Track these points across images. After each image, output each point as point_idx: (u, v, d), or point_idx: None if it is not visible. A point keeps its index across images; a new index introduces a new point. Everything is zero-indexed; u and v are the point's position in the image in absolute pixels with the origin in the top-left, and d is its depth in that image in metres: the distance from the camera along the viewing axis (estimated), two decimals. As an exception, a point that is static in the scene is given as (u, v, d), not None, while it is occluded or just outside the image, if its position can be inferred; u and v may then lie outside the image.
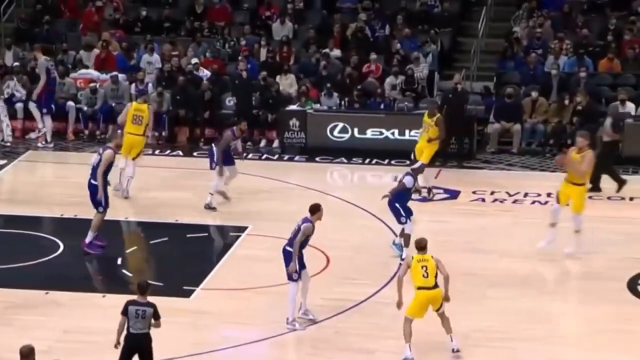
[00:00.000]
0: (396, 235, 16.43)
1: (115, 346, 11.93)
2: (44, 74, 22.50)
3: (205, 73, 24.00)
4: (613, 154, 19.71)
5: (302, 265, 14.06)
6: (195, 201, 18.88)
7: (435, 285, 13.28)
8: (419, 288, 13.28)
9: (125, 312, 11.90)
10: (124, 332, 11.89)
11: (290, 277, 13.93)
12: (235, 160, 18.87)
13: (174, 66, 23.94)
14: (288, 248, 14.06)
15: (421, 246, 13.39)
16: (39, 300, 14.86)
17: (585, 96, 22.28)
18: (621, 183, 19.51)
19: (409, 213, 16.09)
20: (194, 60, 24.18)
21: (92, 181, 16.28)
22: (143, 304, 11.91)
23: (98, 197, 16.21)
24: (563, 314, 14.67)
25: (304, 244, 14.02)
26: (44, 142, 22.64)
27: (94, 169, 16.31)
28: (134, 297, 12.03)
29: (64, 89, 23.62)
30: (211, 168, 18.52)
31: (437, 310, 13.41)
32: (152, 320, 11.90)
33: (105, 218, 17.12)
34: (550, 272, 16.12)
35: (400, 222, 16.11)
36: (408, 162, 19.92)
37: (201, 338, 13.77)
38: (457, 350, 13.34)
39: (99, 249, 16.42)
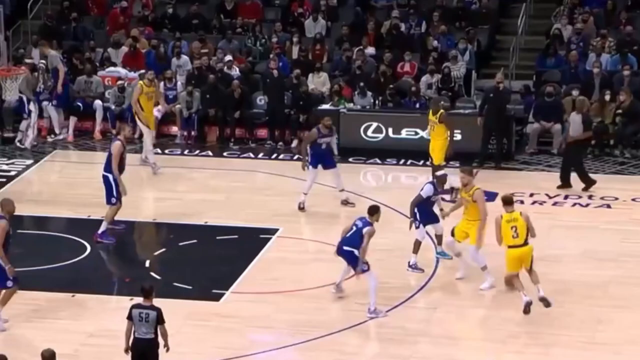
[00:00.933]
0: (435, 245, 16.42)
1: (125, 351, 12.11)
2: (61, 65, 22.85)
3: (235, 71, 24.16)
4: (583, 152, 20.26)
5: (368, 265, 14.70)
6: (225, 202, 19.02)
7: (525, 243, 14.18)
8: (510, 247, 14.29)
9: (130, 316, 12.06)
10: (132, 337, 12.06)
11: (362, 271, 14.44)
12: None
13: (204, 65, 24.10)
14: (346, 248, 14.64)
15: (508, 202, 14.47)
16: (65, 303, 15.06)
17: (629, 95, 22.22)
18: (590, 183, 19.77)
19: (425, 219, 15.99)
20: (228, 58, 24.32)
21: (104, 172, 16.80)
22: (147, 307, 12.05)
23: (110, 189, 16.82)
24: (601, 320, 14.65)
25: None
26: (53, 136, 22.95)
27: (106, 162, 16.81)
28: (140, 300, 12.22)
29: (91, 88, 23.85)
30: (303, 169, 18.77)
31: (527, 268, 14.25)
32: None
33: (134, 219, 17.35)
34: (590, 277, 16.07)
35: (415, 226, 16.06)
36: (426, 162, 20.07)
37: (230, 342, 13.89)
38: (544, 299, 14.27)
39: (111, 238, 16.88)
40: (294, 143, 23.06)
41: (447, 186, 16.83)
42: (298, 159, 22.15)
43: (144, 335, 11.99)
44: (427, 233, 16.24)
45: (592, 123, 20.39)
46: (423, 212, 16.01)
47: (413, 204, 16.08)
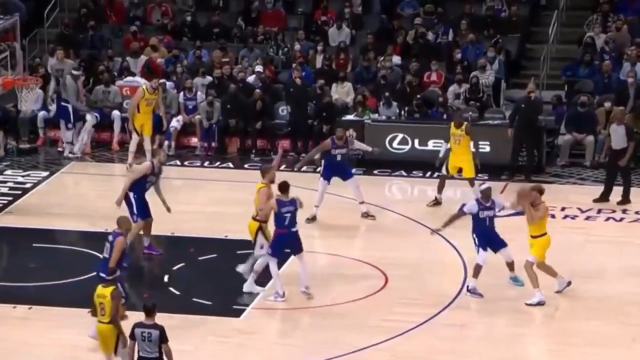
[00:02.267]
0: (510, 270, 16.18)
1: None
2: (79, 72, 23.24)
3: (257, 82, 24.19)
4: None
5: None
6: (246, 216, 19.08)
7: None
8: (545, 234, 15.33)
9: (132, 335, 12.14)
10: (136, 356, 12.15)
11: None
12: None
13: (225, 74, 24.23)
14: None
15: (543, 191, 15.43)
16: (82, 319, 15.09)
17: (665, 106, 22.20)
18: (626, 200, 19.91)
19: (483, 242, 15.78)
20: (258, 69, 24.36)
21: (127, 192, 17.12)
22: (149, 326, 12.11)
23: (134, 209, 17.07)
24: (635, 339, 14.61)
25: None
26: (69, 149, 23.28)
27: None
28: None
29: (109, 98, 24.02)
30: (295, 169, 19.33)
31: None
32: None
33: (153, 233, 17.42)
34: (625, 294, 16.04)
35: (476, 251, 15.92)
36: (454, 176, 20.14)
37: (250, 359, 13.93)
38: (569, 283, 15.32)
39: (158, 249, 17.33)
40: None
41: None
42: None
43: (148, 355, 12.09)
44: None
45: (634, 132, 20.32)
46: (480, 233, 15.73)
47: (453, 218, 16.01)
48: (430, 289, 16.01)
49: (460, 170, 19.71)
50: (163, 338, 12.07)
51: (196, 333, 14.72)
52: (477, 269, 15.76)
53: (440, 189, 19.74)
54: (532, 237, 15.60)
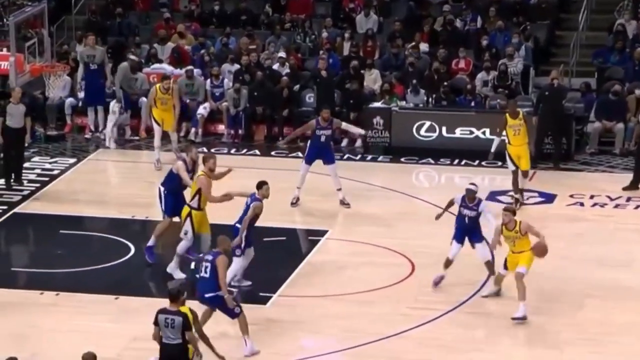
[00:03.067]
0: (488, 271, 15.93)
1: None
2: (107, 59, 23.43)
3: (286, 69, 24.17)
4: None
5: (248, 244, 15.35)
6: (273, 203, 19.06)
7: None
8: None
9: (156, 321, 12.14)
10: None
11: (233, 252, 14.74)
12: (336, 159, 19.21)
13: (252, 61, 24.20)
14: (238, 225, 15.23)
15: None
16: (108, 306, 15.20)
17: (696, 93, 22.01)
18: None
19: (457, 234, 15.67)
20: (281, 54, 24.39)
21: (160, 186, 16.72)
22: (172, 312, 12.09)
23: (162, 204, 16.67)
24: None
25: (253, 221, 15.26)
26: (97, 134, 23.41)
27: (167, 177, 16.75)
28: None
29: (136, 85, 24.05)
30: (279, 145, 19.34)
31: None
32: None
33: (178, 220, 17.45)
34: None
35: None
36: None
37: (277, 347, 13.95)
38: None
39: (152, 255, 16.55)
40: (344, 142, 23.02)
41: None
42: (349, 158, 22.25)
43: (171, 341, 12.08)
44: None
45: None
46: (457, 226, 15.64)
47: (447, 206, 16.02)
48: (457, 277, 15.92)
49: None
50: (186, 325, 12.05)
51: (223, 320, 14.70)
52: (446, 262, 15.58)
53: (516, 186, 18.95)
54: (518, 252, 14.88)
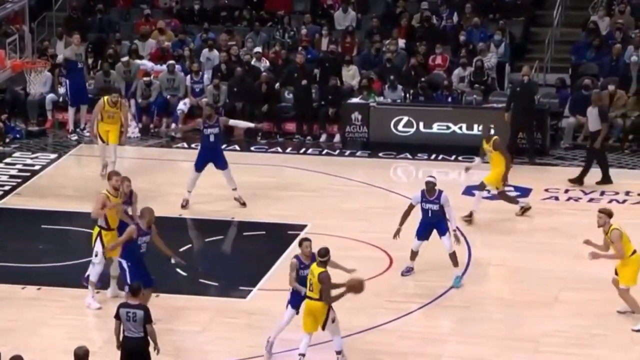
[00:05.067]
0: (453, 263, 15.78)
1: (117, 348, 12.26)
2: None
3: (264, 64, 24.15)
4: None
5: None
6: (253, 198, 19.02)
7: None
8: (632, 254, 14.08)
9: (117, 315, 12.17)
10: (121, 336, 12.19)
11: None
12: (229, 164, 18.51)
13: (233, 55, 24.09)
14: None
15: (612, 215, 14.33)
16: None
17: (668, 89, 22.07)
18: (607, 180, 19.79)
19: (420, 230, 15.72)
20: (257, 50, 24.31)
21: None
22: (134, 306, 12.15)
23: None
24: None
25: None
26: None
27: None
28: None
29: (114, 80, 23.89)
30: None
31: None
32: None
33: (160, 215, 17.32)
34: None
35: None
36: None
37: (257, 340, 13.86)
38: None
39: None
40: (323, 137, 22.98)
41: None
42: (327, 154, 22.18)
43: (133, 334, 12.12)
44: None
45: (608, 115, 20.22)
46: (420, 222, 15.65)
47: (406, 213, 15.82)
48: (435, 271, 15.92)
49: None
50: (147, 318, 12.10)
51: (203, 314, 14.65)
52: (412, 253, 15.76)
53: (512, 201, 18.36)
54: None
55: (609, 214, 14.44)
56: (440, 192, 15.56)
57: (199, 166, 18.49)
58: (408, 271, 15.87)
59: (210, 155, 18.43)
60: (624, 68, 23.29)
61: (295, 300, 13.35)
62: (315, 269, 12.98)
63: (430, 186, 15.50)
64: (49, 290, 15.40)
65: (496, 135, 18.23)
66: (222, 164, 18.46)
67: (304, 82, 22.95)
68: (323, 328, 13.08)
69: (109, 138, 19.83)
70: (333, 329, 13.11)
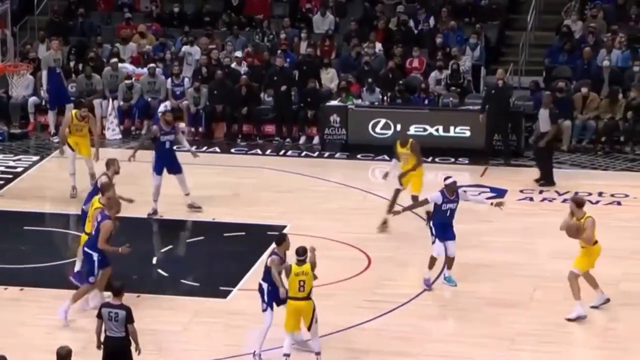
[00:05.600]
0: (448, 266, 15.57)
1: (97, 347, 12.22)
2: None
3: (244, 67, 24.15)
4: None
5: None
6: (233, 199, 19.02)
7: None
8: (595, 243, 14.27)
9: (99, 314, 12.16)
10: (103, 335, 12.16)
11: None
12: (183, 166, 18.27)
13: (213, 59, 24.09)
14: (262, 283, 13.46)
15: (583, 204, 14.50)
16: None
17: (640, 91, 22.19)
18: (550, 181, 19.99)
19: (440, 234, 15.26)
20: (237, 54, 24.30)
21: None
22: (116, 306, 12.13)
23: None
24: (614, 319, 14.60)
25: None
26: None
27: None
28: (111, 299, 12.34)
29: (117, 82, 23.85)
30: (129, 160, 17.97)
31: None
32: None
33: (141, 216, 17.37)
34: (602, 275, 16.00)
35: (432, 242, 15.46)
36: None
37: (236, 340, 13.89)
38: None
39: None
40: (302, 139, 23.00)
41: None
42: (307, 155, 22.20)
43: (115, 334, 12.10)
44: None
45: (557, 117, 20.33)
46: (438, 223, 15.29)
47: (417, 205, 15.96)
48: (413, 270, 15.97)
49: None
50: (129, 318, 12.08)
51: (184, 314, 14.64)
52: (433, 261, 15.32)
53: (392, 205, 17.64)
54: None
55: (577, 203, 14.54)
56: (456, 190, 15.40)
57: (159, 170, 18.14)
58: (427, 283, 15.34)
59: (166, 161, 18.14)
60: (596, 71, 23.42)
61: (272, 299, 13.31)
62: (305, 267, 12.94)
63: (454, 187, 15.26)
64: (31, 291, 15.35)
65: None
66: (176, 168, 18.26)
67: (283, 87, 22.94)
68: (309, 328, 13.06)
69: (80, 150, 19.23)
70: (314, 330, 13.12)
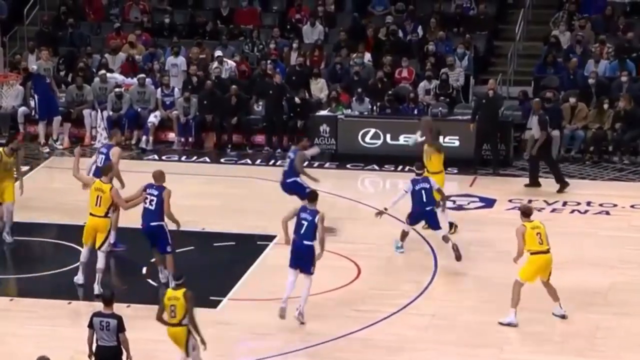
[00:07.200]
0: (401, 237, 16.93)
1: (89, 357, 12.19)
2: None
3: (229, 66, 24.14)
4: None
5: None
6: (223, 209, 19.02)
7: (548, 251, 14.25)
8: (533, 253, 14.18)
9: (91, 324, 12.14)
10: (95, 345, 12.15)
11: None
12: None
13: (202, 67, 24.12)
14: (307, 242, 14.44)
15: (528, 213, 14.41)
16: (61, 311, 15.03)
17: (629, 101, 22.25)
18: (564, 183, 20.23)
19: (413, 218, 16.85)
20: (217, 53, 24.33)
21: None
22: (107, 315, 12.12)
23: None
24: (603, 328, 14.63)
25: None
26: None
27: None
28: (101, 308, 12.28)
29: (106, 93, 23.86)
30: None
31: (546, 279, 14.36)
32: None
33: (131, 226, 17.33)
34: (590, 284, 16.06)
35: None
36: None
37: (226, 349, 13.88)
38: (564, 317, 14.47)
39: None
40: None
41: None
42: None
43: (106, 343, 12.10)
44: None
45: (547, 123, 20.39)
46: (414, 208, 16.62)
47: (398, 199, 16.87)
48: (402, 280, 15.99)
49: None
50: (121, 327, 12.08)
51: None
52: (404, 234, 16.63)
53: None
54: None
55: (523, 212, 14.59)
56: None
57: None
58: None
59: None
60: (582, 81, 23.50)
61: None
62: (177, 293, 12.57)
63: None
64: (20, 301, 15.32)
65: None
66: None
67: (284, 103, 23.07)
68: (187, 355, 12.63)
69: (5, 196, 17.31)
70: (195, 357, 12.66)
